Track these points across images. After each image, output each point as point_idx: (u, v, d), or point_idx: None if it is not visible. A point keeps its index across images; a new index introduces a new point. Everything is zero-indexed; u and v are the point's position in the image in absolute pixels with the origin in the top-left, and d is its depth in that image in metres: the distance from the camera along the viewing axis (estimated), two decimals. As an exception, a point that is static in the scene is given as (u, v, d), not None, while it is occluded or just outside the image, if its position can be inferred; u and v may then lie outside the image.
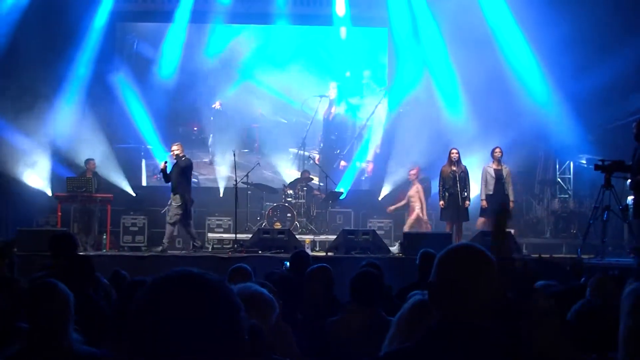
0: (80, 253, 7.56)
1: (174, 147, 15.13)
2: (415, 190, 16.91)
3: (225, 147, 18.89)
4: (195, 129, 20.13)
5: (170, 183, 14.94)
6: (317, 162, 19.62)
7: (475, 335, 2.49)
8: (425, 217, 16.94)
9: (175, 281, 1.70)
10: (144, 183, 19.67)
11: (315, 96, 20.12)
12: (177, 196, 14.80)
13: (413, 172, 17.08)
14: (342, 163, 19.96)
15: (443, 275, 2.62)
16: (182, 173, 14.88)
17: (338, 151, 20.29)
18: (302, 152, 19.23)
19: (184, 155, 15.11)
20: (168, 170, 14.86)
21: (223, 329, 1.66)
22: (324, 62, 20.29)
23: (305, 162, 18.83)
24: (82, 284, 5.05)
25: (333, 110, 20.40)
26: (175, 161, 14.97)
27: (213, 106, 19.83)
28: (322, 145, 20.49)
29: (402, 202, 17.29)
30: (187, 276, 1.71)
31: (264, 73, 20.17)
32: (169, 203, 15.25)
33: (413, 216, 16.88)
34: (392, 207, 17.56)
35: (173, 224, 15.02)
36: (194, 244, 15.13)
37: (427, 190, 17.74)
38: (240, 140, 19.66)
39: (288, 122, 20.26)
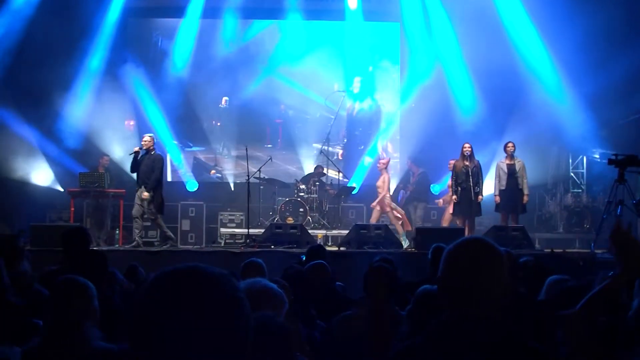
0: (94, 248, 7.56)
1: (147, 138, 14.75)
2: (382, 181, 16.49)
3: (237, 142, 18.93)
4: (218, 124, 20.09)
5: (135, 174, 14.54)
6: (340, 157, 19.65)
7: (483, 329, 2.48)
8: (390, 205, 16.52)
9: (179, 275, 1.70)
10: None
11: (340, 92, 20.10)
12: (147, 193, 14.34)
13: (383, 161, 16.84)
14: (367, 159, 19.84)
15: (451, 270, 2.62)
16: (152, 167, 14.41)
17: (362, 147, 20.23)
18: (325, 147, 19.15)
19: (154, 149, 14.73)
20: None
21: (226, 324, 1.66)
22: (340, 57, 20.23)
23: (329, 157, 18.72)
24: (95, 280, 5.05)
25: (357, 105, 20.38)
26: (145, 152, 14.60)
27: (220, 105, 19.80)
28: (345, 140, 20.50)
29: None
30: (190, 271, 1.72)
31: (285, 68, 20.12)
32: (137, 196, 14.62)
33: (378, 207, 16.55)
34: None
35: (146, 220, 14.82)
36: (169, 241, 14.69)
37: (424, 186, 17.75)
38: (258, 136, 19.61)
39: (311, 117, 20.21)
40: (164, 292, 1.67)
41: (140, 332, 1.66)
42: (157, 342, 1.62)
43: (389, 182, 16.68)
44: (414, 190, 17.92)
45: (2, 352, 3.00)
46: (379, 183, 16.49)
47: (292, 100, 20.15)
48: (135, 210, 14.47)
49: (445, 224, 16.20)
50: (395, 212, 16.53)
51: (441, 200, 17.24)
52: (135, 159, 14.50)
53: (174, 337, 1.62)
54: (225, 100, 19.73)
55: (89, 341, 4.00)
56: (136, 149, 14.61)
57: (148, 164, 14.41)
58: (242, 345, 1.69)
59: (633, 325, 3.24)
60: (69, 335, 3.97)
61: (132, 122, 18.51)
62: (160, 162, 14.60)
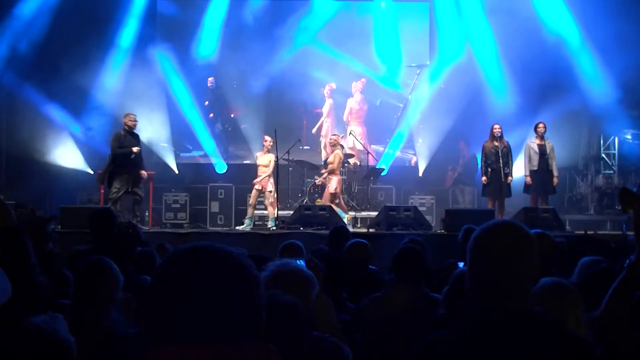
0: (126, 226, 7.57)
1: (135, 118, 15.01)
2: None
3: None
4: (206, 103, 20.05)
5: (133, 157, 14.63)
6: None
7: (514, 320, 2.39)
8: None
9: (191, 253, 1.72)
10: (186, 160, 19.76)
11: (415, 66, 19.92)
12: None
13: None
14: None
15: (480, 258, 2.52)
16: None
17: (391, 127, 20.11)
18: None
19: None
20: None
21: (238, 301, 1.66)
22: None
23: (357, 138, 18.62)
24: (122, 261, 5.07)
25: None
26: (135, 133, 14.89)
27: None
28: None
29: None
30: (203, 249, 1.74)
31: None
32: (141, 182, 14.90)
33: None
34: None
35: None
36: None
37: (473, 169, 17.64)
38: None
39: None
40: (178, 270, 1.69)
41: (154, 309, 1.67)
42: (168, 317, 1.64)
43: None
44: (461, 173, 17.87)
45: (45, 320, 3.03)
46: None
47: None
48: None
49: (325, 200, 15.78)
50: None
51: (318, 178, 16.71)
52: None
53: (186, 315, 1.63)
54: (211, 81, 19.34)
55: (112, 325, 4.02)
56: (136, 149, 14.65)
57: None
58: (256, 323, 1.69)
59: None
60: (94, 317, 3.99)
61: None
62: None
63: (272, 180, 15.66)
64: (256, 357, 1.68)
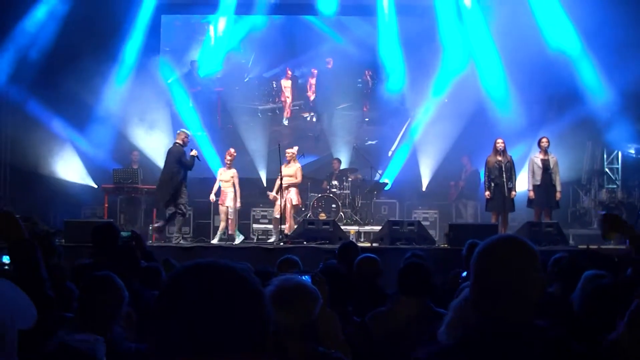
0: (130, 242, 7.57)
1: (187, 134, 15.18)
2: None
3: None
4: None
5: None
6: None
7: (518, 334, 2.40)
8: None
9: (196, 270, 1.73)
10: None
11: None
12: None
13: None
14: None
15: (483, 272, 2.53)
16: None
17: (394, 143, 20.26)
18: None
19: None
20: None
21: (242, 316, 1.67)
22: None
23: (364, 154, 18.71)
24: (126, 276, 5.07)
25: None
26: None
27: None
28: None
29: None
30: (207, 265, 1.74)
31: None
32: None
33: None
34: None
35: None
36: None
37: (476, 181, 17.66)
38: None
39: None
40: (183, 287, 1.70)
41: (160, 325, 1.69)
42: (174, 333, 1.65)
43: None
44: (464, 187, 17.87)
45: (87, 339, 3.06)
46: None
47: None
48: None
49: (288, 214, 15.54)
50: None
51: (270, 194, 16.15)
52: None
53: (192, 330, 1.64)
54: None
55: (113, 339, 4.03)
56: (194, 152, 14.87)
57: None
58: (261, 337, 1.71)
59: None
60: (96, 331, 4.00)
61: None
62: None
63: (236, 195, 15.53)
64: None
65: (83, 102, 17.78)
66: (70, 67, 17.23)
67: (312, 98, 20.50)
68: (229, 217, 15.41)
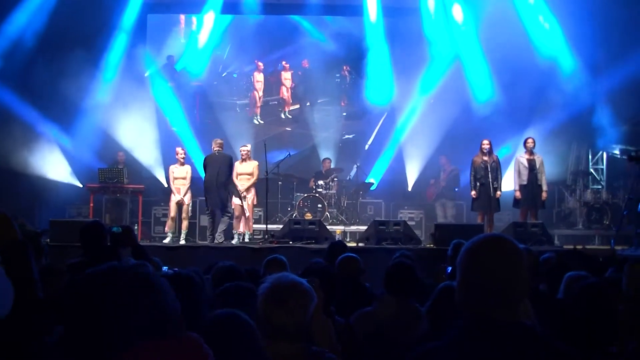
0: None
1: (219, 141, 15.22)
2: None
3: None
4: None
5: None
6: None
7: (505, 332, 2.39)
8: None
9: (103, 274, 2.00)
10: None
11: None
12: None
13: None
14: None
15: (469, 270, 2.52)
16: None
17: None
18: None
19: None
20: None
21: (148, 312, 1.96)
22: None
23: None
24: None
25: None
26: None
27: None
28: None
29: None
30: (113, 269, 2.01)
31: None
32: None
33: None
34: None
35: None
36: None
37: (456, 181, 17.71)
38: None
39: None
40: (89, 289, 1.97)
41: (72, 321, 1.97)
42: (85, 331, 1.93)
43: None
44: (445, 187, 17.87)
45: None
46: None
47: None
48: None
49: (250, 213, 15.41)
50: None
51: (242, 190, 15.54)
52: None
53: (99, 326, 1.91)
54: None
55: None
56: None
57: None
58: (165, 328, 1.98)
59: None
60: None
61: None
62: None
63: (189, 193, 15.56)
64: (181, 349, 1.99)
65: (68, 100, 17.66)
66: (55, 66, 17.18)
67: (290, 93, 20.53)
68: (186, 214, 15.42)
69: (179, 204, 15.34)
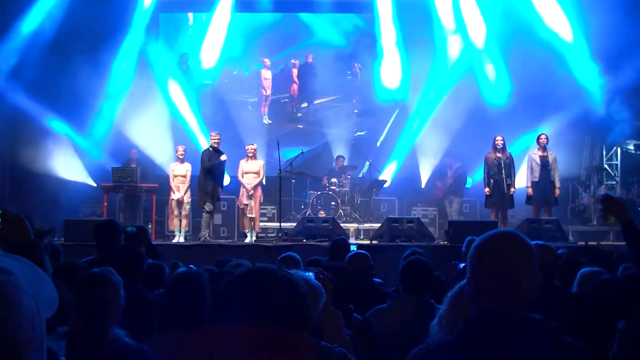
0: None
1: (218, 137, 15.10)
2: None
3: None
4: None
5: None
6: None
7: (515, 328, 2.41)
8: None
9: (254, 273, 2.44)
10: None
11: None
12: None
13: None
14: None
15: (479, 265, 2.54)
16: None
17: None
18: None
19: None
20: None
21: (289, 310, 2.36)
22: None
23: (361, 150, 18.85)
24: (129, 275, 5.03)
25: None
26: (219, 149, 14.96)
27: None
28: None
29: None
30: (260, 270, 2.46)
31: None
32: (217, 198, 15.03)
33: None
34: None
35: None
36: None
37: (462, 178, 17.62)
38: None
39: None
40: (245, 285, 2.41)
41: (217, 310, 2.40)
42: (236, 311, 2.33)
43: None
44: (452, 185, 17.81)
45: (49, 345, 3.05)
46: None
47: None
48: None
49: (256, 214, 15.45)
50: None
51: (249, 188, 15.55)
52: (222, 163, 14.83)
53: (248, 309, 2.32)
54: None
55: (115, 338, 4.00)
56: (224, 157, 14.86)
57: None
58: (299, 317, 2.40)
59: None
60: (95, 330, 3.98)
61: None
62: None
63: (189, 191, 15.60)
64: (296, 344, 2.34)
65: (81, 100, 17.74)
66: (68, 66, 17.22)
67: (299, 90, 20.51)
68: (185, 212, 15.49)
69: (179, 202, 15.39)
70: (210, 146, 14.93)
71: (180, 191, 15.36)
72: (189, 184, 15.51)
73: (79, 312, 4.07)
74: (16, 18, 17.72)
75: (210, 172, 14.62)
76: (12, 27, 17.67)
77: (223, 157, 14.75)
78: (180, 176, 15.45)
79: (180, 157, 15.54)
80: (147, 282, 5.93)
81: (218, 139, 14.94)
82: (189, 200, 15.55)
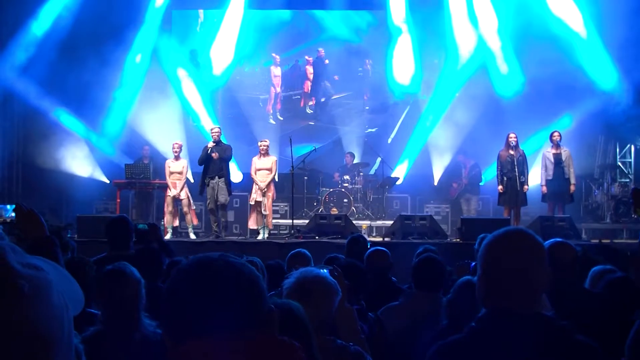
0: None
1: (217, 129, 15.14)
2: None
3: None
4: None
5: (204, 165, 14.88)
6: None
7: (525, 325, 2.41)
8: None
9: (197, 264, 1.92)
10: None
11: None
12: (224, 180, 14.84)
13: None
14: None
15: (490, 262, 2.55)
16: (227, 158, 14.96)
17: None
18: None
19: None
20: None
21: (243, 304, 1.81)
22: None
23: (372, 147, 18.83)
24: (148, 274, 5.02)
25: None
26: (216, 143, 14.88)
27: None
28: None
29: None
30: (208, 259, 1.95)
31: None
32: (212, 186, 14.85)
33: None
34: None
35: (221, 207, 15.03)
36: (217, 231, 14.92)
37: (478, 177, 17.55)
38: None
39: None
40: (186, 279, 1.87)
41: (170, 311, 1.85)
42: (182, 321, 1.80)
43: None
44: (468, 183, 17.75)
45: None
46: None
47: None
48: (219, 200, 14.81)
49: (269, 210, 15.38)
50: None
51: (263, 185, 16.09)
52: (206, 152, 14.71)
53: (196, 317, 1.78)
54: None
55: (145, 329, 4.03)
56: (210, 144, 14.80)
57: (221, 154, 14.77)
58: (258, 321, 1.83)
59: None
60: (125, 324, 4.01)
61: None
62: (230, 152, 15.01)
63: (186, 187, 15.61)
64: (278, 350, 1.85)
65: (94, 97, 17.82)
66: (81, 63, 17.28)
67: (311, 87, 20.52)
68: (186, 208, 15.52)
69: (175, 199, 15.39)
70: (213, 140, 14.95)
71: (176, 188, 15.27)
72: (185, 180, 15.51)
73: (109, 306, 4.10)
74: (29, 15, 17.80)
75: (203, 168, 14.89)
76: (24, 24, 17.76)
77: (214, 155, 14.68)
78: (176, 173, 15.38)
79: (176, 153, 15.45)
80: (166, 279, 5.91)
81: (217, 132, 15.00)
82: (186, 197, 15.50)
